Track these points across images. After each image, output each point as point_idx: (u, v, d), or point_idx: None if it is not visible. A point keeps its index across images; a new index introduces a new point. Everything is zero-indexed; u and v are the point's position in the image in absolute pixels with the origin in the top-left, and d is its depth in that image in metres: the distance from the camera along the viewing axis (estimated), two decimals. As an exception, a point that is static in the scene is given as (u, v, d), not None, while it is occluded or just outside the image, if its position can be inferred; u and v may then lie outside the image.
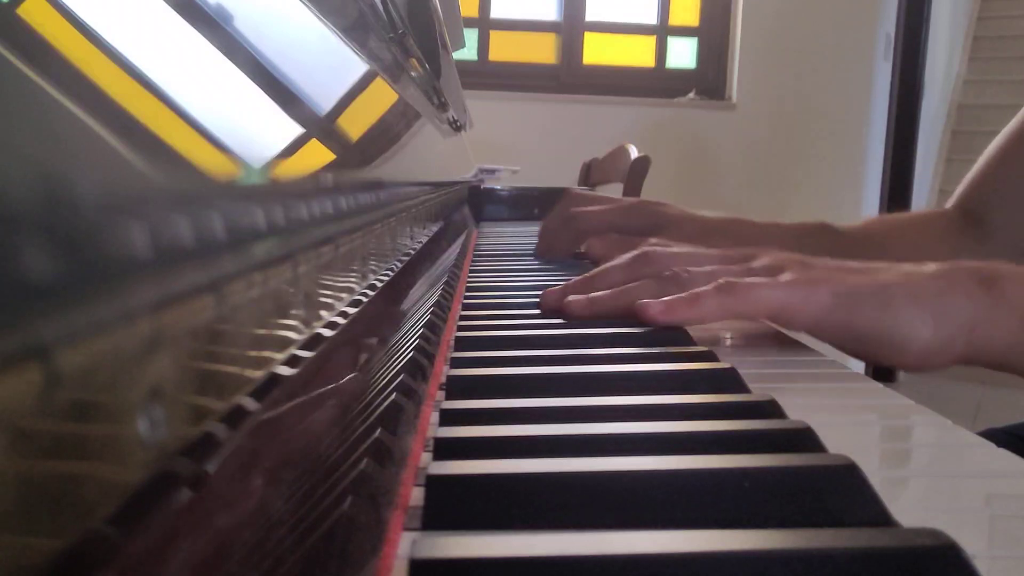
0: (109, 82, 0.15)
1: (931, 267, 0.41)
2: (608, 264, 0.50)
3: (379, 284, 0.36)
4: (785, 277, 0.41)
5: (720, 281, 0.41)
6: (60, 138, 0.11)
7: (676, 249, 0.49)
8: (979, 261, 0.42)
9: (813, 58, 2.91)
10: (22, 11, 0.13)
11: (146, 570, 0.13)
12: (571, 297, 0.46)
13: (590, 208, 0.73)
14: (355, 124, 0.39)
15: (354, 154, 0.36)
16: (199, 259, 0.14)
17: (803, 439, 0.25)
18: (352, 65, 0.46)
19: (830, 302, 0.40)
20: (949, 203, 0.78)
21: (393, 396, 0.26)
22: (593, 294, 0.46)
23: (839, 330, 0.40)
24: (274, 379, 0.20)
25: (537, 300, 0.52)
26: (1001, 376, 0.42)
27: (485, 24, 2.93)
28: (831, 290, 0.40)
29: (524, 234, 1.14)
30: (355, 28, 0.52)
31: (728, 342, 0.47)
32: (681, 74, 2.99)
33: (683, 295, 0.42)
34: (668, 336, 0.42)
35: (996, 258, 0.44)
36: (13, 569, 0.09)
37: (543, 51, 2.98)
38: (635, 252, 0.49)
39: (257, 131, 0.23)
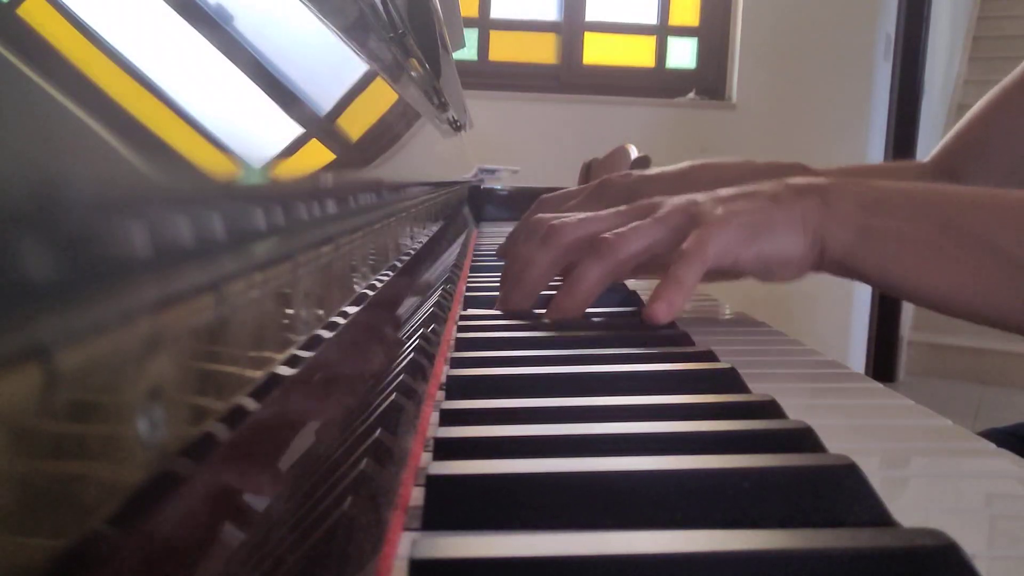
0: (109, 82, 0.15)
1: (792, 184, 0.46)
2: (520, 253, 0.50)
3: (379, 284, 0.36)
4: (706, 227, 0.44)
5: (676, 256, 0.44)
6: (60, 138, 0.11)
7: (576, 216, 0.50)
8: (822, 177, 0.47)
9: (813, 58, 2.91)
10: (22, 11, 0.13)
11: (146, 570, 0.13)
12: (548, 312, 0.47)
13: (556, 194, 0.69)
14: (355, 124, 0.39)
15: (354, 154, 0.36)
16: (199, 259, 0.14)
17: (803, 439, 0.25)
18: (352, 65, 0.46)
19: (743, 239, 0.44)
20: (927, 158, 0.79)
21: (393, 396, 0.26)
22: (555, 300, 0.46)
23: (750, 261, 0.45)
24: (274, 379, 0.20)
25: (536, 300, 0.52)
26: (1001, 376, 0.44)
27: (485, 24, 2.93)
28: (739, 229, 0.44)
29: (524, 234, 1.14)
30: (355, 28, 0.52)
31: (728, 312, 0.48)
32: (681, 74, 2.99)
33: (664, 286, 0.43)
34: (668, 336, 0.42)
35: None
36: (13, 569, 0.09)
37: (543, 51, 2.98)
38: (540, 231, 0.49)
39: (257, 131, 0.23)
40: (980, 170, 0.75)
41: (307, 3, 0.38)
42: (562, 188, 0.79)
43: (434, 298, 0.46)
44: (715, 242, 0.43)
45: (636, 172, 0.69)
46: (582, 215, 0.50)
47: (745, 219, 0.44)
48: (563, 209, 0.66)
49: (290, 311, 0.21)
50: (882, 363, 3.09)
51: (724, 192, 0.47)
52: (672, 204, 0.47)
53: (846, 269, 0.46)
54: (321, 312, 0.25)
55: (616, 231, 0.46)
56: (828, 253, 0.45)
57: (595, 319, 0.47)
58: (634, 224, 0.46)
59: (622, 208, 0.49)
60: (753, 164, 0.71)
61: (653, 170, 0.70)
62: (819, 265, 0.46)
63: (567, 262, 0.48)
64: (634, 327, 0.44)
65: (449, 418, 0.27)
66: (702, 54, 2.99)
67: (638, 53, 3.00)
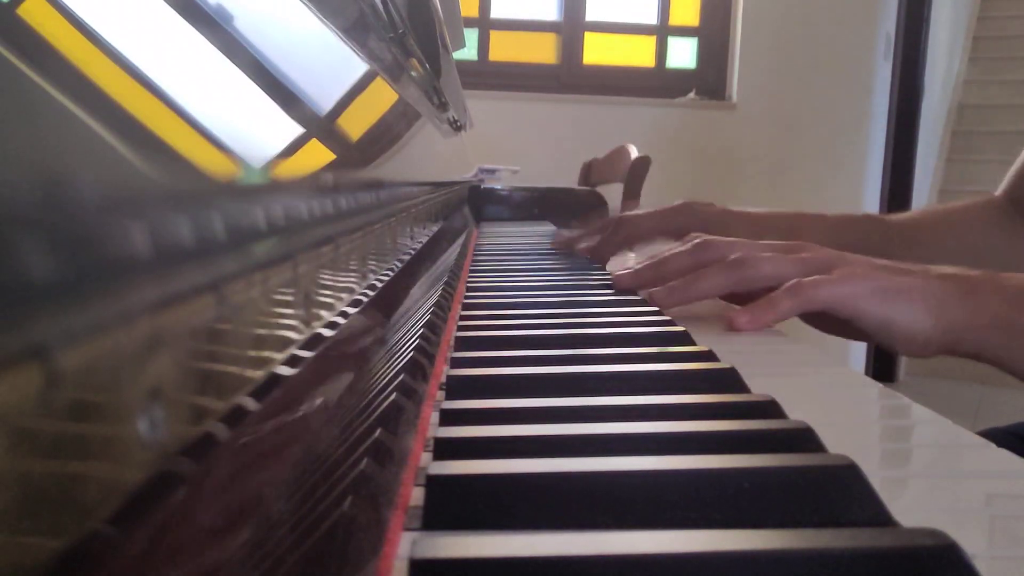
0: (109, 82, 0.15)
1: (937, 271, 0.47)
2: (671, 251, 0.55)
3: (379, 284, 0.36)
4: (836, 272, 0.46)
5: (788, 284, 0.46)
6: (60, 138, 0.11)
7: (731, 239, 0.54)
8: (968, 269, 0.48)
9: (813, 58, 2.91)
10: (22, 11, 0.13)
11: (146, 570, 0.13)
12: (653, 291, 0.52)
13: (638, 212, 0.76)
14: (355, 124, 0.39)
15: (354, 154, 0.36)
16: (199, 259, 0.14)
17: (803, 439, 0.25)
18: (352, 65, 0.46)
19: (871, 295, 0.46)
20: (998, 191, 0.79)
21: (393, 396, 0.26)
22: (670, 284, 0.51)
23: (873, 320, 0.46)
24: (274, 379, 0.20)
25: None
26: (1001, 376, 0.45)
27: (485, 24, 2.93)
28: (871, 285, 0.46)
29: (524, 234, 1.14)
30: (355, 28, 0.52)
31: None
32: (681, 74, 2.99)
33: (760, 303, 0.47)
34: (668, 336, 0.42)
35: None
36: (13, 569, 0.09)
37: (543, 51, 2.98)
38: (695, 240, 0.54)
39: (257, 131, 0.23)
40: None
41: (307, 3, 0.38)
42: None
43: (434, 298, 0.46)
44: (836, 288, 0.45)
45: (721, 207, 0.74)
46: (739, 241, 0.53)
47: (881, 282, 0.46)
48: (642, 226, 0.74)
49: (290, 311, 0.21)
50: (882, 363, 3.09)
51: (873, 260, 0.49)
52: (819, 251, 0.50)
53: (985, 360, 0.47)
54: (321, 312, 0.25)
55: (757, 255, 0.49)
56: (964, 344, 0.46)
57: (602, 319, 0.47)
58: (775, 255, 0.49)
59: (773, 244, 0.52)
60: (826, 218, 0.74)
61: (736, 208, 0.74)
62: (952, 351, 0.47)
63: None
64: (632, 325, 0.44)
65: (449, 418, 0.27)
66: (702, 54, 2.99)
67: (638, 53, 3.00)
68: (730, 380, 0.32)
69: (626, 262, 0.73)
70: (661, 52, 2.99)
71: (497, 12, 2.94)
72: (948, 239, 0.74)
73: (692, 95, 2.93)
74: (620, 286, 0.55)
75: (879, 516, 0.21)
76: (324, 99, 0.35)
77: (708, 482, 0.21)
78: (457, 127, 1.26)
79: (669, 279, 0.54)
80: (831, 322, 0.47)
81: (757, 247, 0.52)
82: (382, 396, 0.26)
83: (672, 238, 0.73)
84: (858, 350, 3.09)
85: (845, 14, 2.90)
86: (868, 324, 0.46)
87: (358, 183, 0.33)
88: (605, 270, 0.71)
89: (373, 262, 0.35)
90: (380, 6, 0.65)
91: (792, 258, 0.49)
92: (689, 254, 0.54)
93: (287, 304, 0.21)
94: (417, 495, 0.22)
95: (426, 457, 0.25)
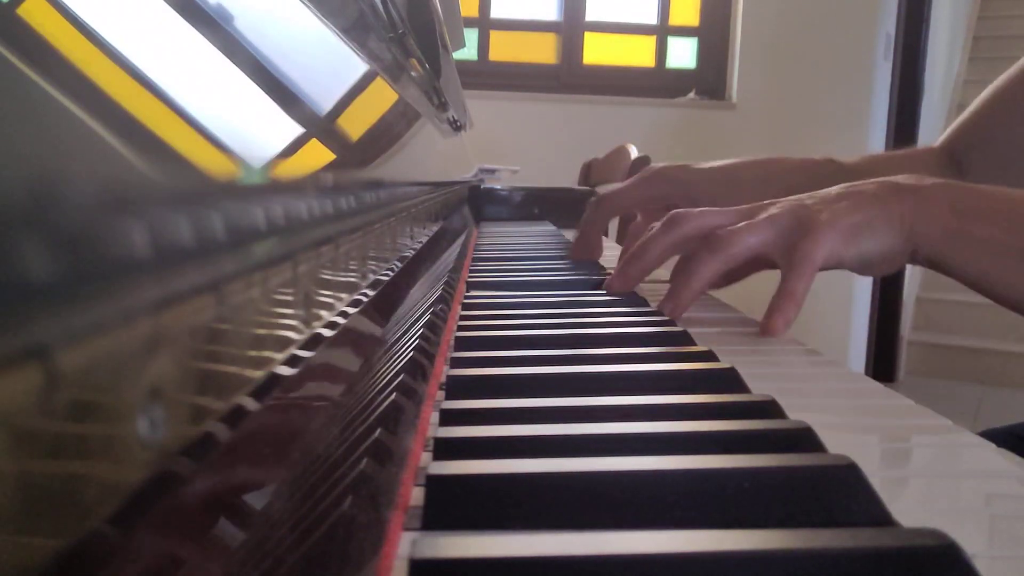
0: (109, 82, 0.15)
1: (893, 183, 0.51)
2: (644, 237, 0.55)
3: (379, 284, 0.36)
4: (808, 228, 0.48)
5: (788, 270, 0.48)
6: (60, 138, 0.11)
7: (698, 209, 0.54)
8: (923, 177, 0.51)
9: (813, 58, 2.91)
10: (22, 11, 0.13)
11: (146, 570, 0.13)
12: (660, 305, 0.51)
13: (613, 188, 0.77)
14: (355, 124, 0.39)
15: (354, 154, 0.36)
16: (199, 259, 0.14)
17: (803, 439, 0.25)
18: (352, 65, 0.46)
19: (843, 240, 0.48)
20: (936, 143, 0.84)
21: (393, 396, 0.26)
22: (672, 293, 0.51)
23: (853, 261, 0.49)
24: (274, 379, 0.20)
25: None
26: (1001, 376, 0.46)
27: (485, 24, 2.93)
28: (840, 229, 0.48)
29: (524, 234, 1.14)
30: (355, 28, 0.52)
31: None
32: (681, 74, 2.99)
33: (778, 300, 0.47)
34: (668, 336, 0.42)
35: None
36: (13, 569, 0.09)
37: (543, 51, 2.98)
38: (664, 219, 0.54)
39: (257, 131, 0.23)
40: (983, 158, 0.79)
41: (307, 3, 0.38)
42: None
43: (434, 298, 0.46)
44: (822, 249, 0.48)
45: (691, 165, 0.76)
46: (706, 209, 0.54)
47: (847, 220, 0.49)
48: (622, 200, 0.75)
49: (290, 311, 0.21)
50: (882, 363, 3.09)
51: (827, 193, 0.51)
52: (781, 206, 0.51)
53: (936, 266, 0.50)
54: (321, 312, 0.25)
55: (730, 228, 0.50)
56: (920, 251, 0.49)
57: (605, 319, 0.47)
58: (746, 222, 0.50)
59: (739, 208, 0.53)
60: (790, 160, 0.78)
61: (703, 164, 0.76)
62: (913, 260, 0.50)
63: (682, 251, 0.53)
64: (631, 325, 0.44)
65: (449, 418, 0.27)
66: (702, 54, 2.99)
67: (638, 53, 3.00)
68: (730, 380, 0.32)
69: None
70: (661, 52, 2.99)
71: (497, 12, 2.94)
72: None
73: (692, 95, 2.93)
74: (612, 292, 0.56)
75: (879, 516, 0.21)
76: (324, 99, 0.35)
77: (708, 482, 0.21)
78: (457, 127, 1.26)
79: (654, 265, 0.55)
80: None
81: (725, 214, 0.53)
82: (382, 396, 0.26)
83: (652, 206, 0.76)
84: (858, 350, 3.09)
85: (845, 14, 2.90)
86: (848, 265, 0.50)
87: (358, 183, 0.33)
88: (604, 269, 0.71)
89: (373, 262, 0.35)
90: (380, 6, 0.65)
91: (765, 220, 0.50)
92: (664, 235, 0.54)
93: (287, 304, 0.21)
94: (417, 495, 0.22)
95: (426, 457, 0.25)
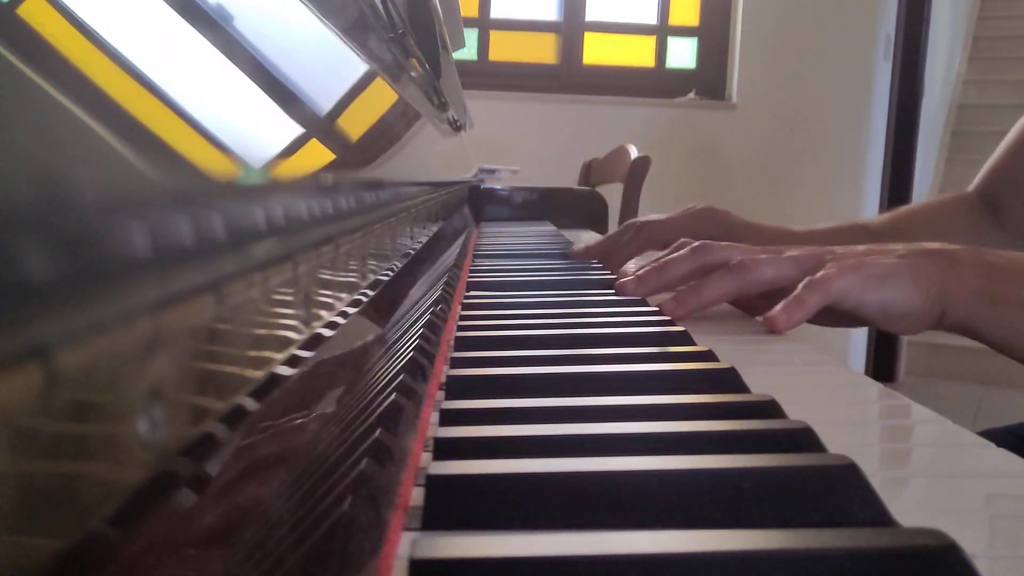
0: (109, 82, 0.15)
1: (920, 247, 0.51)
2: (671, 255, 0.56)
3: (379, 284, 0.36)
4: (832, 266, 0.49)
5: (805, 282, 0.49)
6: (60, 138, 0.11)
7: (727, 243, 0.56)
8: (949, 244, 0.51)
9: (813, 58, 2.91)
10: (22, 11, 0.13)
11: (146, 570, 0.13)
12: (664, 303, 0.52)
13: (658, 218, 0.78)
14: (355, 124, 0.39)
15: (354, 154, 0.36)
16: (199, 259, 0.14)
17: (803, 439, 0.25)
18: (352, 65, 0.46)
19: (866, 283, 0.48)
20: (971, 187, 0.83)
21: (393, 396, 0.26)
22: (679, 294, 0.52)
23: (872, 306, 0.49)
24: (274, 379, 0.20)
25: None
26: (1001, 376, 0.46)
27: (485, 24, 2.93)
28: (864, 273, 0.49)
29: (524, 234, 1.14)
30: (355, 28, 0.52)
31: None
32: (681, 74, 2.99)
33: (787, 302, 0.48)
34: (668, 336, 0.42)
35: (1014, 245, 0.54)
36: (13, 569, 0.09)
37: (543, 51, 2.98)
38: (694, 244, 0.56)
39: (257, 131, 0.23)
40: (1019, 198, 0.79)
41: (307, 3, 0.38)
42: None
43: (434, 298, 0.46)
44: (841, 281, 0.48)
45: (733, 214, 0.78)
46: (730, 244, 0.55)
47: (873, 270, 0.49)
48: (664, 230, 0.75)
49: (290, 311, 0.21)
50: (882, 363, 3.09)
51: (855, 247, 0.52)
52: (807, 250, 0.52)
53: (965, 330, 0.49)
54: (321, 312, 0.25)
55: (755, 257, 0.52)
56: (949, 316, 0.49)
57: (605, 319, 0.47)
58: (769, 256, 0.52)
59: (767, 248, 0.54)
60: (820, 231, 0.79)
61: (746, 220, 0.78)
62: (940, 325, 0.49)
63: (703, 275, 0.54)
64: (631, 325, 0.44)
65: (449, 418, 0.27)
66: (702, 54, 2.99)
67: (638, 53, 3.00)
68: (730, 380, 0.32)
69: (627, 268, 0.74)
70: (661, 52, 2.99)
71: (497, 12, 2.94)
72: (924, 238, 0.79)
73: (692, 95, 2.93)
74: (623, 293, 0.56)
75: (879, 516, 0.21)
76: (324, 99, 0.35)
77: (708, 482, 0.21)
78: (457, 127, 1.26)
79: (672, 284, 0.55)
80: (832, 315, 0.50)
81: (752, 250, 0.54)
82: (382, 396, 0.26)
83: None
84: (858, 350, 3.09)
85: (845, 14, 2.90)
86: (868, 311, 0.49)
87: (358, 183, 0.33)
88: (605, 269, 0.71)
89: (373, 262, 0.35)
90: (380, 6, 0.65)
91: (787, 257, 0.51)
92: (690, 258, 0.55)
93: (287, 304, 0.21)
94: (417, 495, 0.22)
95: (426, 457, 0.25)
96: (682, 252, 0.56)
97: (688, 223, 0.75)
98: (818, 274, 0.48)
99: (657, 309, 0.50)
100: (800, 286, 0.49)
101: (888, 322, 0.50)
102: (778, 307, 0.48)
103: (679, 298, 0.52)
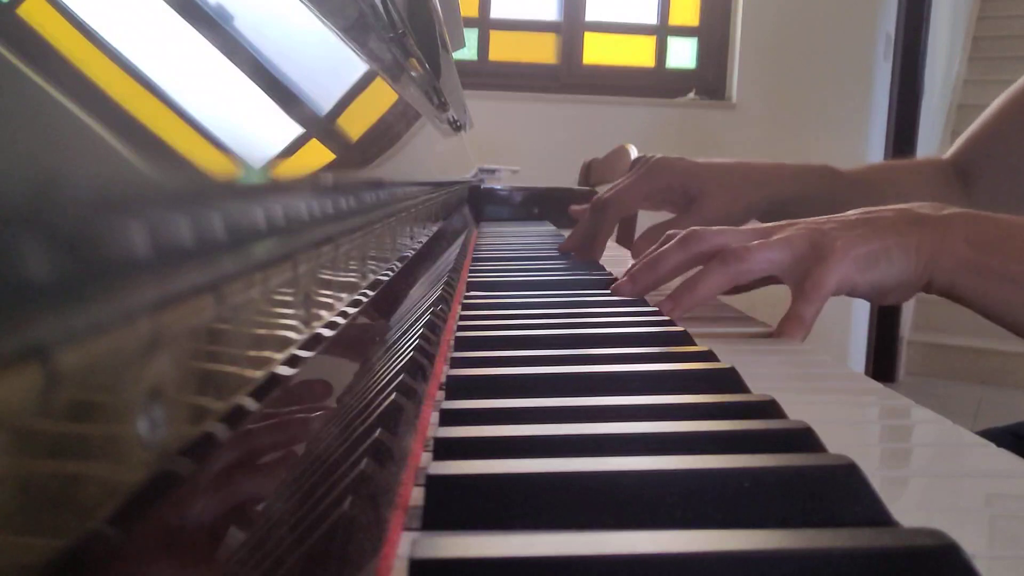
0: (109, 82, 0.15)
1: (911, 212, 0.50)
2: (661, 249, 0.55)
3: (379, 284, 0.36)
4: (824, 253, 0.49)
5: (798, 289, 0.49)
6: (60, 138, 0.11)
7: (717, 228, 0.54)
8: (941, 206, 0.51)
9: (813, 58, 2.91)
10: (22, 11, 0.13)
11: (146, 570, 0.13)
12: (661, 304, 0.51)
13: (616, 187, 0.77)
14: (355, 124, 0.39)
15: (354, 154, 0.36)
16: (199, 259, 0.14)
17: (803, 439, 0.25)
18: (352, 65, 0.46)
19: (857, 267, 0.48)
20: (947, 154, 0.83)
21: (393, 396, 0.26)
22: (675, 294, 0.51)
23: (865, 288, 0.49)
24: (274, 379, 0.20)
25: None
26: (1001, 376, 0.46)
27: (485, 24, 2.93)
28: (854, 256, 0.48)
29: (524, 234, 1.14)
30: (355, 28, 0.52)
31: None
32: (681, 74, 2.99)
33: (791, 315, 0.48)
34: (668, 336, 0.42)
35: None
36: (13, 569, 0.09)
37: (543, 51, 2.98)
38: (680, 234, 0.55)
39: (257, 131, 0.23)
40: (992, 170, 0.79)
41: (307, 3, 0.38)
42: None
43: (434, 298, 0.46)
44: (834, 275, 0.48)
45: (687, 158, 0.77)
46: (724, 229, 0.54)
47: (863, 248, 0.48)
48: (627, 198, 0.76)
49: (290, 311, 0.21)
50: (882, 363, 3.09)
51: (844, 218, 0.51)
52: (797, 229, 0.51)
53: (951, 296, 0.50)
54: (321, 312, 0.25)
55: (745, 245, 0.50)
56: (935, 283, 0.49)
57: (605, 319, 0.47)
58: (761, 241, 0.50)
59: (756, 227, 0.53)
60: (787, 166, 0.78)
61: (702, 159, 0.77)
62: (927, 289, 0.50)
63: (696, 265, 0.53)
64: (631, 325, 0.44)
65: (449, 418, 0.27)
66: (702, 54, 2.99)
67: (638, 53, 3.00)
68: (730, 380, 0.32)
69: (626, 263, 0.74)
70: (661, 52, 2.99)
71: (497, 12, 2.94)
72: (890, 195, 0.80)
73: (692, 95, 2.93)
74: (620, 295, 0.55)
75: (879, 516, 0.21)
76: (324, 99, 0.35)
77: (708, 482, 0.21)
78: (457, 127, 1.26)
79: (666, 279, 0.55)
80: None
81: (743, 234, 0.53)
82: (382, 396, 0.26)
83: (658, 200, 0.76)
84: (858, 350, 3.09)
85: (845, 14, 2.90)
86: (862, 292, 0.50)
87: (358, 183, 0.33)
88: (604, 269, 0.71)
89: (373, 262, 0.35)
90: (380, 6, 0.65)
91: (779, 240, 0.50)
92: (680, 249, 0.54)
93: (287, 304, 0.21)
94: (417, 495, 0.22)
95: (426, 457, 0.25)
96: (671, 244, 0.55)
97: (647, 182, 0.75)
98: (808, 282, 0.48)
99: (656, 309, 0.50)
100: (793, 301, 0.48)
101: (879, 298, 0.50)
102: (778, 331, 0.48)
103: (675, 297, 0.51)
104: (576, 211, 0.85)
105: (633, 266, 0.57)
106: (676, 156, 0.76)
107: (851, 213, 0.52)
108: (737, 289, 0.56)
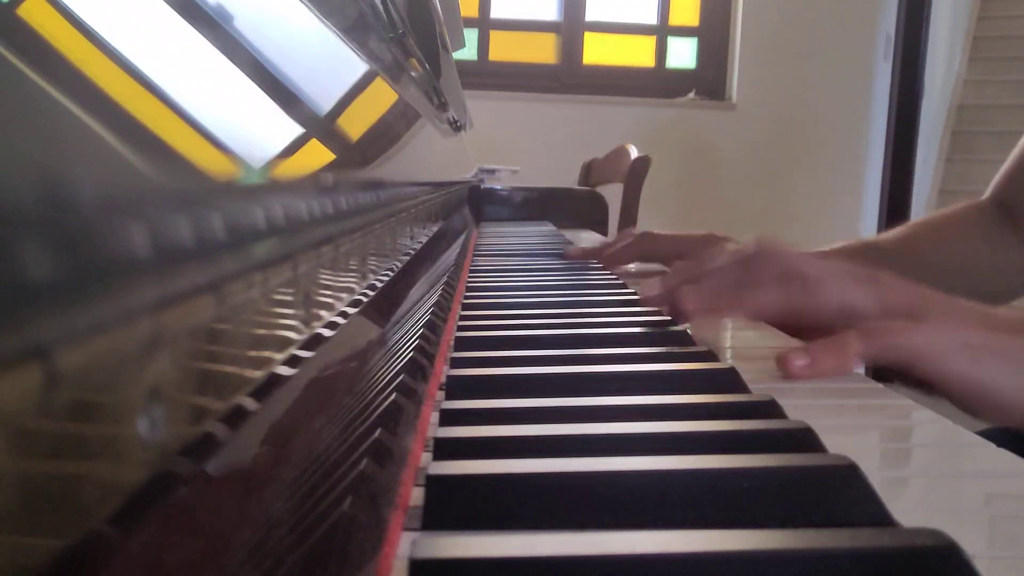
0: (109, 82, 0.15)
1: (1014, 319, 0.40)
2: (719, 263, 0.46)
3: (379, 284, 0.36)
4: (918, 323, 0.38)
5: (864, 327, 0.38)
6: (60, 138, 0.11)
7: (796, 252, 0.45)
8: None
9: (813, 58, 2.91)
10: (22, 11, 0.13)
11: (146, 570, 0.13)
12: (685, 288, 0.42)
13: (664, 232, 0.73)
14: (355, 124, 0.39)
15: (354, 154, 0.36)
16: (199, 259, 0.14)
17: (803, 439, 0.25)
18: (352, 65, 0.46)
19: (959, 352, 0.37)
20: (985, 194, 0.77)
21: (393, 396, 0.26)
22: (719, 303, 0.42)
23: (958, 382, 0.37)
24: (274, 379, 0.20)
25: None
26: None
27: (485, 24, 2.93)
28: (962, 339, 0.37)
29: (524, 234, 1.14)
30: (355, 28, 0.52)
31: (729, 353, 0.46)
32: (681, 74, 2.99)
33: (824, 342, 0.38)
34: (668, 336, 0.42)
35: None
36: (13, 569, 0.09)
37: (543, 51, 2.98)
38: (749, 251, 0.45)
39: (257, 131, 0.23)
40: None
41: (307, 3, 0.38)
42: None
43: (434, 298, 0.46)
44: (918, 339, 0.37)
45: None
46: (802, 253, 0.44)
47: (974, 338, 0.37)
48: (663, 246, 0.71)
49: (290, 311, 0.21)
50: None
51: (964, 303, 0.41)
52: (901, 284, 0.41)
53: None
54: (321, 312, 0.25)
55: (821, 276, 0.41)
56: None
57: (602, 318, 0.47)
58: (846, 279, 0.41)
59: (849, 265, 0.43)
60: (827, 253, 0.69)
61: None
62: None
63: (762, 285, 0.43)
64: (632, 325, 0.44)
65: (449, 418, 0.27)
66: (702, 54, 2.99)
67: (638, 53, 3.00)
68: (730, 380, 0.32)
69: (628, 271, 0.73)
70: (661, 52, 2.99)
71: (497, 12, 2.94)
72: (939, 256, 0.72)
73: (692, 95, 2.93)
74: (653, 305, 0.48)
75: (879, 516, 0.21)
76: (324, 99, 0.35)
77: (708, 482, 0.21)
78: (457, 127, 1.26)
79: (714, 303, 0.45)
80: (899, 375, 0.39)
81: (826, 267, 0.42)
82: (382, 396, 0.26)
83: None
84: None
85: (845, 14, 2.90)
86: (952, 386, 0.37)
87: (358, 183, 0.33)
88: (606, 270, 0.71)
89: (373, 262, 0.35)
90: (380, 6, 0.65)
91: (866, 288, 0.40)
92: (741, 267, 0.43)
93: (287, 304, 0.21)
94: (417, 495, 0.22)
95: (426, 457, 0.25)
96: (731, 261, 0.44)
97: (690, 246, 0.68)
98: (886, 323, 0.38)
99: (656, 309, 0.48)
100: (856, 328, 0.38)
101: (973, 406, 0.38)
102: (805, 347, 0.39)
103: (708, 296, 0.42)
104: (570, 254, 0.82)
105: (673, 278, 0.48)
106: (726, 236, 0.68)
107: (968, 304, 0.41)
108: (788, 324, 0.46)
